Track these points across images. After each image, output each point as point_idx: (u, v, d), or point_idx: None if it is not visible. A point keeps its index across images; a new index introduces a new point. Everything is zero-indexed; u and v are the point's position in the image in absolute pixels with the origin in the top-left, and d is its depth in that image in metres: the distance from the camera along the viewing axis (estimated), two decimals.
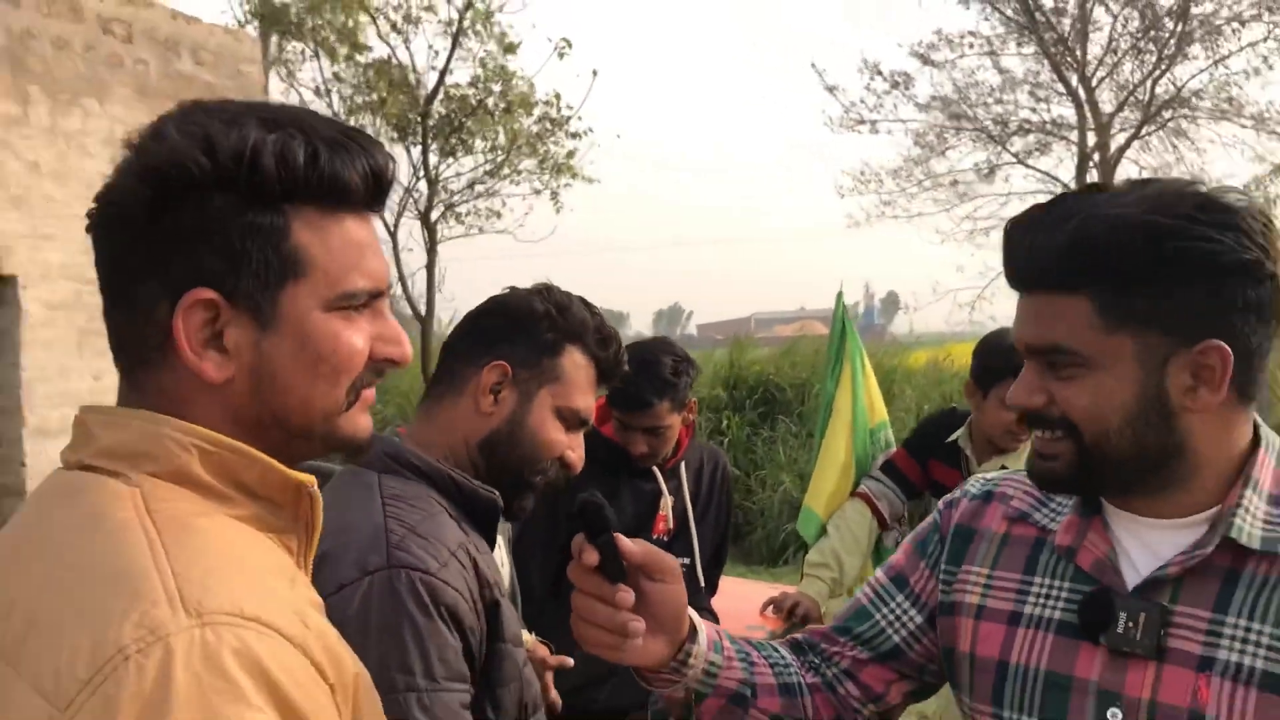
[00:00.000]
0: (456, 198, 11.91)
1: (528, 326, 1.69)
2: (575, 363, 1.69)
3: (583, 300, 1.74)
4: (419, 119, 11.25)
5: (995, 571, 1.34)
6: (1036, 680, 1.27)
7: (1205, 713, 1.16)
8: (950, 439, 3.30)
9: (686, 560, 3.07)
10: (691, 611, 1.31)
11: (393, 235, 11.79)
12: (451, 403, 1.65)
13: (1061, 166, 15.36)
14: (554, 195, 12.26)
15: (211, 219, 0.97)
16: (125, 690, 0.81)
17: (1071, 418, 1.21)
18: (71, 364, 5.25)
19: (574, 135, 11.98)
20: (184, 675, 0.82)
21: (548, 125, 11.89)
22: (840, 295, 4.25)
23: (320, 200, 1.00)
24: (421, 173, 11.50)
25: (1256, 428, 1.25)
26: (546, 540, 2.84)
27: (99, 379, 5.38)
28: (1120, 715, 1.20)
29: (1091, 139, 14.89)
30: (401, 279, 11.87)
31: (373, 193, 1.04)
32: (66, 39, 5.26)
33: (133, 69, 5.65)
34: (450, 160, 11.69)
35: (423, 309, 11.79)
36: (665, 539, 3.03)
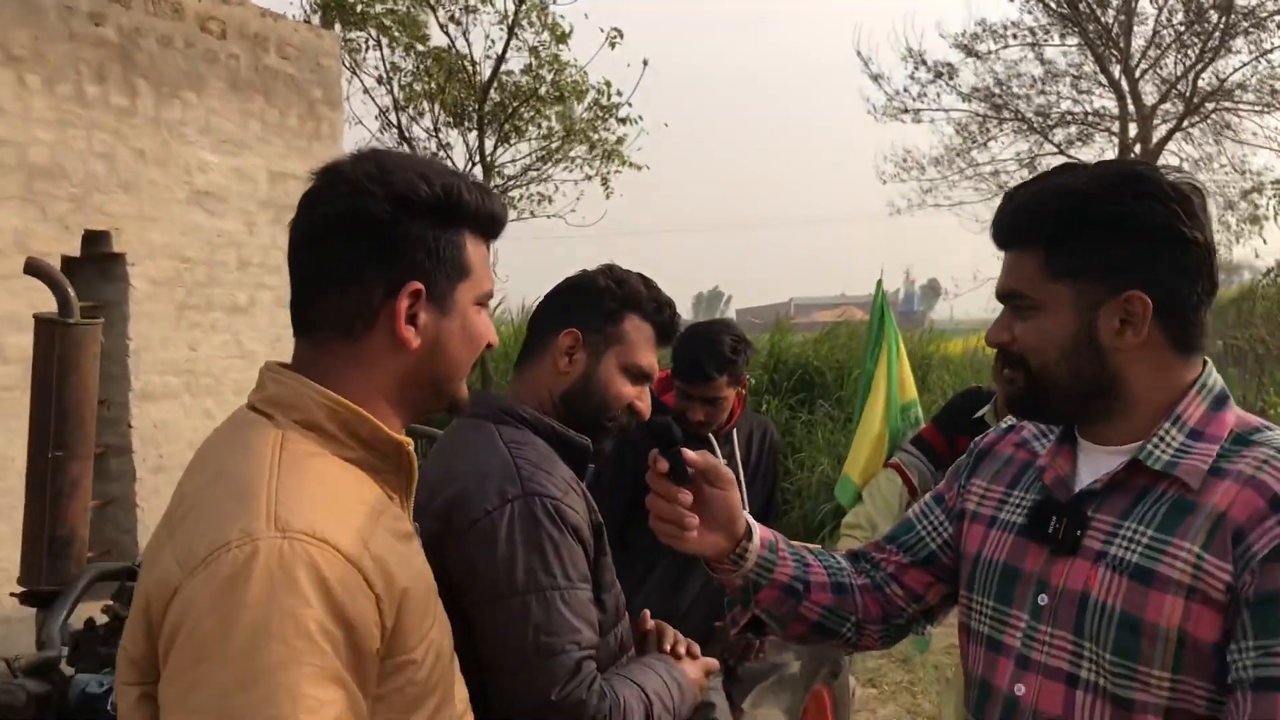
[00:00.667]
0: (510, 183, 12.29)
1: (593, 299, 1.99)
2: (635, 326, 1.99)
3: (640, 275, 2.05)
4: (475, 106, 11.64)
5: (991, 485, 1.60)
6: (996, 571, 1.51)
7: (1091, 594, 1.38)
8: (977, 415, 3.64)
9: None
10: (748, 517, 1.59)
11: None
12: (537, 365, 1.97)
13: (1103, 158, 15.48)
14: (604, 181, 12.62)
15: (424, 233, 1.33)
16: (222, 570, 1.13)
17: (1023, 351, 1.44)
18: (171, 335, 5.72)
19: (623, 121, 12.35)
20: (262, 569, 1.13)
21: (598, 112, 12.25)
22: (880, 282, 4.62)
23: (478, 228, 1.39)
24: (477, 159, 11.87)
25: (1204, 375, 1.43)
26: (614, 490, 3.23)
27: (194, 349, 5.85)
28: (1046, 599, 1.43)
29: (1133, 130, 15.00)
30: None
31: (502, 227, 1.45)
32: (169, 36, 5.71)
33: (226, 63, 6.10)
34: (504, 146, 12.08)
35: None
36: None
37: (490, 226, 1.41)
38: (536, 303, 2.12)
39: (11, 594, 3.08)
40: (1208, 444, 1.38)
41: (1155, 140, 14.93)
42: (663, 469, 1.52)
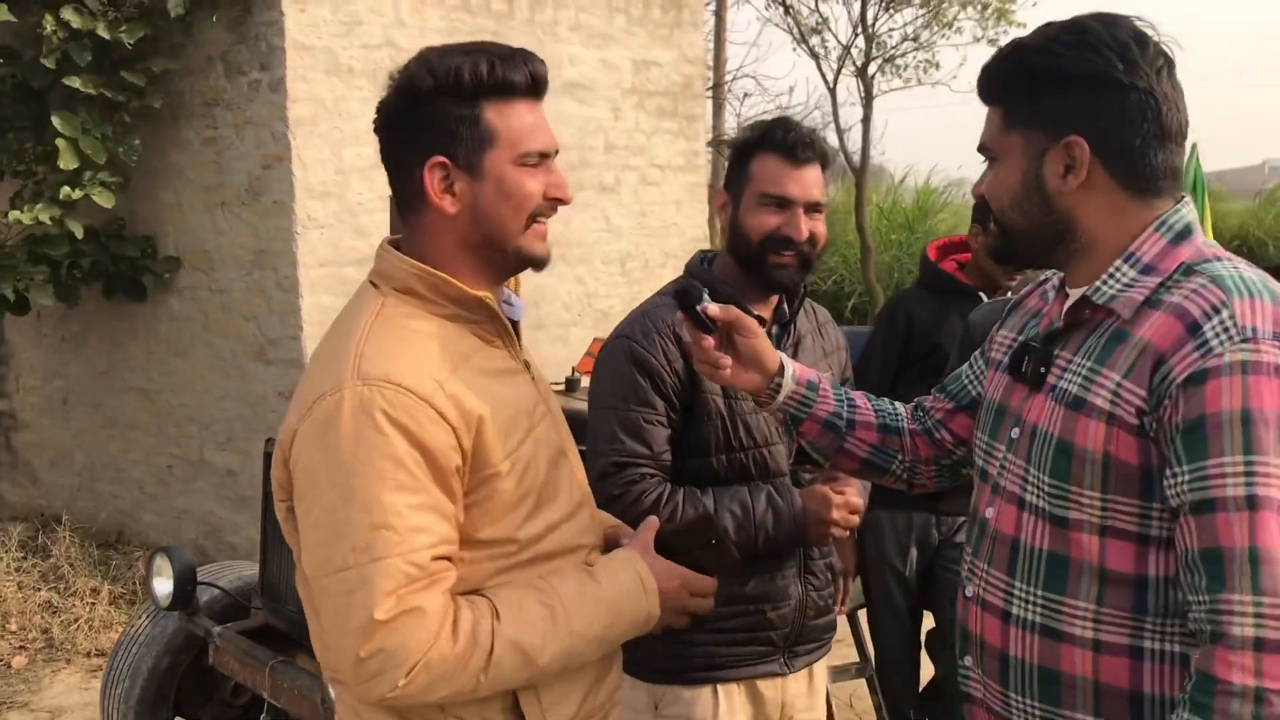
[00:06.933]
0: (893, 50, 12.15)
1: (731, 158, 2.23)
2: (760, 162, 2.15)
3: (768, 120, 2.21)
4: None
5: (1009, 333, 1.69)
6: (992, 408, 1.63)
7: (1039, 424, 1.49)
8: None
9: None
10: (784, 357, 1.79)
11: (831, 92, 12.33)
12: (721, 229, 2.29)
13: None
14: (992, 44, 12.13)
15: (437, 114, 1.50)
16: (320, 414, 1.43)
17: (987, 199, 1.55)
18: None
19: None
20: (348, 410, 1.41)
21: None
22: (1194, 146, 4.42)
23: (500, 94, 1.51)
24: (860, 29, 11.86)
25: (1168, 213, 1.46)
26: (886, 346, 3.47)
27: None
28: (1018, 432, 1.54)
29: None
30: (838, 133, 12.39)
31: (533, 86, 1.54)
32: None
33: None
34: (887, 14, 11.93)
35: (858, 161, 12.27)
36: None
37: (509, 89, 1.52)
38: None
39: None
40: (1155, 278, 1.42)
41: None
42: (681, 317, 1.79)
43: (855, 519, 2.20)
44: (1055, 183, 1.47)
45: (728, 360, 1.75)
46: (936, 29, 11.87)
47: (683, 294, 1.75)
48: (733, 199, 2.20)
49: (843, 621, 4.08)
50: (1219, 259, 1.43)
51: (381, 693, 1.42)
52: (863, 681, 3.94)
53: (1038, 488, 1.48)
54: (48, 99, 5.52)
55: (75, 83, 5.26)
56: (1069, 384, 1.47)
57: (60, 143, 5.27)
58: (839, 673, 3.87)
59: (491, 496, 1.51)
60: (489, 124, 1.51)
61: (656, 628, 1.67)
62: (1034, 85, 1.46)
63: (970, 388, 1.82)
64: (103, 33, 5.23)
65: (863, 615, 3.83)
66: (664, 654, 2.18)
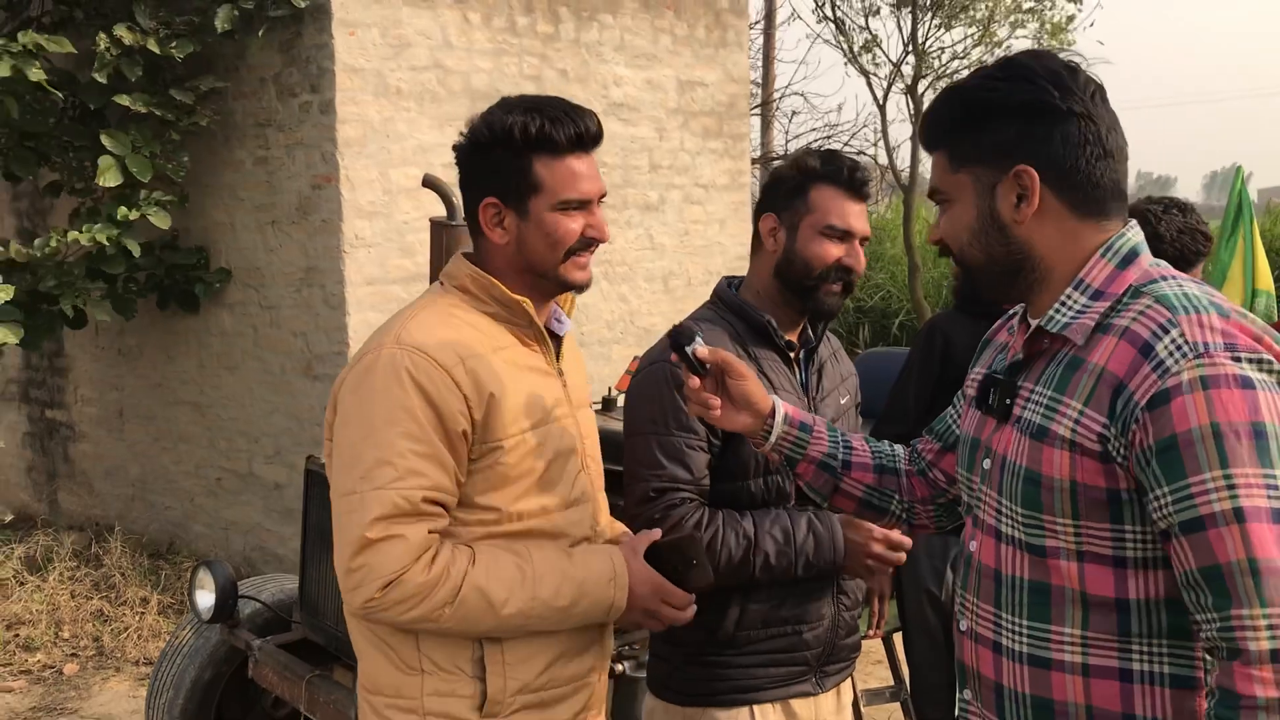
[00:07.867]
0: (944, 67, 12.07)
1: (779, 184, 2.23)
2: (820, 193, 2.17)
3: (820, 150, 2.27)
4: None
5: (979, 369, 1.71)
6: (967, 442, 1.66)
7: (1007, 456, 1.52)
8: None
9: None
10: (777, 400, 1.86)
11: (881, 109, 12.28)
12: (756, 252, 2.27)
13: None
14: None
15: (493, 163, 1.80)
16: (360, 367, 1.75)
17: (945, 241, 1.58)
18: None
19: None
20: (382, 366, 1.72)
21: None
22: (1239, 169, 4.36)
23: (548, 150, 1.78)
24: (910, 47, 11.80)
25: (1114, 237, 1.49)
26: (923, 365, 3.47)
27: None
28: (989, 463, 1.57)
29: None
30: (888, 150, 12.35)
31: (578, 143, 1.80)
32: None
33: None
34: (944, 30, 11.83)
35: (907, 179, 12.20)
36: None
37: (554, 147, 1.79)
38: None
39: None
40: (1104, 303, 1.46)
41: None
42: (673, 359, 1.86)
43: (899, 556, 2.21)
44: (1009, 213, 1.50)
45: (717, 401, 1.82)
46: (988, 47, 11.78)
47: (675, 335, 1.81)
48: (786, 225, 2.21)
49: (878, 644, 4.09)
50: (1164, 278, 1.46)
51: (362, 599, 1.70)
52: (898, 705, 3.92)
53: (1012, 519, 1.52)
54: (105, 115, 5.67)
55: (126, 101, 5.42)
56: (1032, 414, 1.50)
57: (104, 160, 5.41)
58: (873, 696, 3.86)
59: (494, 466, 1.78)
60: (536, 175, 1.79)
61: (622, 621, 1.89)
62: (975, 122, 1.50)
63: (954, 427, 1.85)
64: (153, 48, 5.37)
65: (897, 638, 3.82)
66: (700, 677, 2.20)
